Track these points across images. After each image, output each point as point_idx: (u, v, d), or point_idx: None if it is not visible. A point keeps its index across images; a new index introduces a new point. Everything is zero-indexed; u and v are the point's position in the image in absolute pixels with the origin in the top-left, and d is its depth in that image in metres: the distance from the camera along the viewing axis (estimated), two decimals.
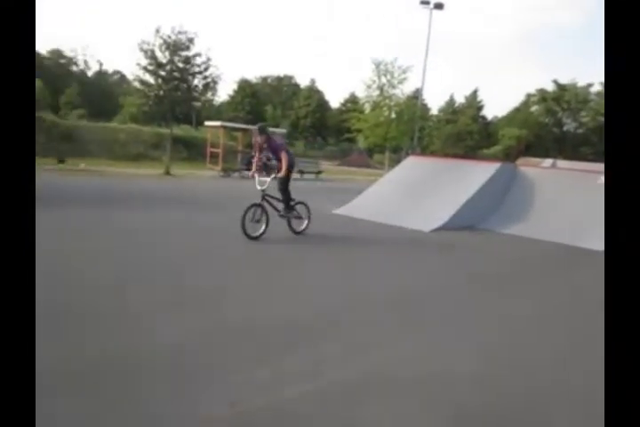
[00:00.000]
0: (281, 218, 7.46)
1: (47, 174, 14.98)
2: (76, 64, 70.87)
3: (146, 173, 18.50)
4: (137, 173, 18.36)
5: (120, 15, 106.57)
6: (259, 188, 7.01)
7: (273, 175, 7.18)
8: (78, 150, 23.66)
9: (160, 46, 18.61)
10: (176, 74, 18.97)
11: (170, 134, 20.63)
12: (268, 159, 22.75)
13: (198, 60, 19.29)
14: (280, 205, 7.41)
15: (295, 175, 23.14)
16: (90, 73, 72.42)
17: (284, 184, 7.34)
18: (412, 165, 12.21)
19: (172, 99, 19.09)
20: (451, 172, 11.13)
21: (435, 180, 10.94)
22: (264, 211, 6.95)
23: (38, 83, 54.75)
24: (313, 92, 66.05)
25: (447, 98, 66.05)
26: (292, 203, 7.52)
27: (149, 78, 19.04)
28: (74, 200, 9.97)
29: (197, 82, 19.66)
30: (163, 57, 18.78)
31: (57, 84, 57.41)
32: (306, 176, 23.43)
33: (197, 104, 20.72)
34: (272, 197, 7.25)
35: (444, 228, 9.22)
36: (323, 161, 31.25)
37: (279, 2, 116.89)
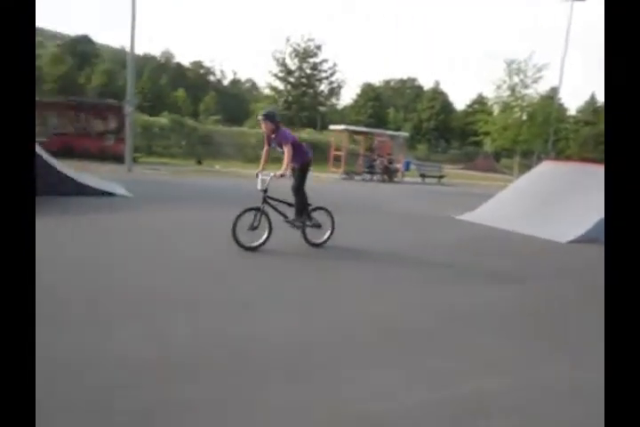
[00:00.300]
0: (291, 227, 6.23)
1: (191, 175, 16.44)
2: (213, 74, 77.30)
3: None
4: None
5: (251, 26, 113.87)
6: (259, 188, 5.89)
7: (272, 174, 5.82)
8: (213, 153, 25.68)
9: (290, 54, 19.58)
10: (304, 80, 19.80)
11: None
12: (390, 162, 22.70)
13: (325, 66, 19.99)
14: (289, 210, 6.17)
15: (417, 179, 22.99)
16: (225, 82, 78.55)
17: (298, 185, 6.15)
18: (547, 170, 11.31)
19: (300, 104, 19.92)
20: (591, 178, 10.05)
21: (573, 187, 10.00)
22: (264, 216, 5.82)
23: (181, 92, 60.61)
24: (437, 94, 64.68)
25: (587, 97, 60.74)
26: (310, 208, 6.32)
27: (279, 85, 20.12)
28: (218, 199, 10.84)
29: (323, 87, 20.36)
30: (292, 64, 19.73)
31: (197, 93, 63.02)
32: (428, 180, 23.01)
33: (323, 109, 21.39)
34: (278, 201, 6.08)
35: (582, 239, 8.41)
36: (446, 165, 30.37)
37: (402, 5, 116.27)
